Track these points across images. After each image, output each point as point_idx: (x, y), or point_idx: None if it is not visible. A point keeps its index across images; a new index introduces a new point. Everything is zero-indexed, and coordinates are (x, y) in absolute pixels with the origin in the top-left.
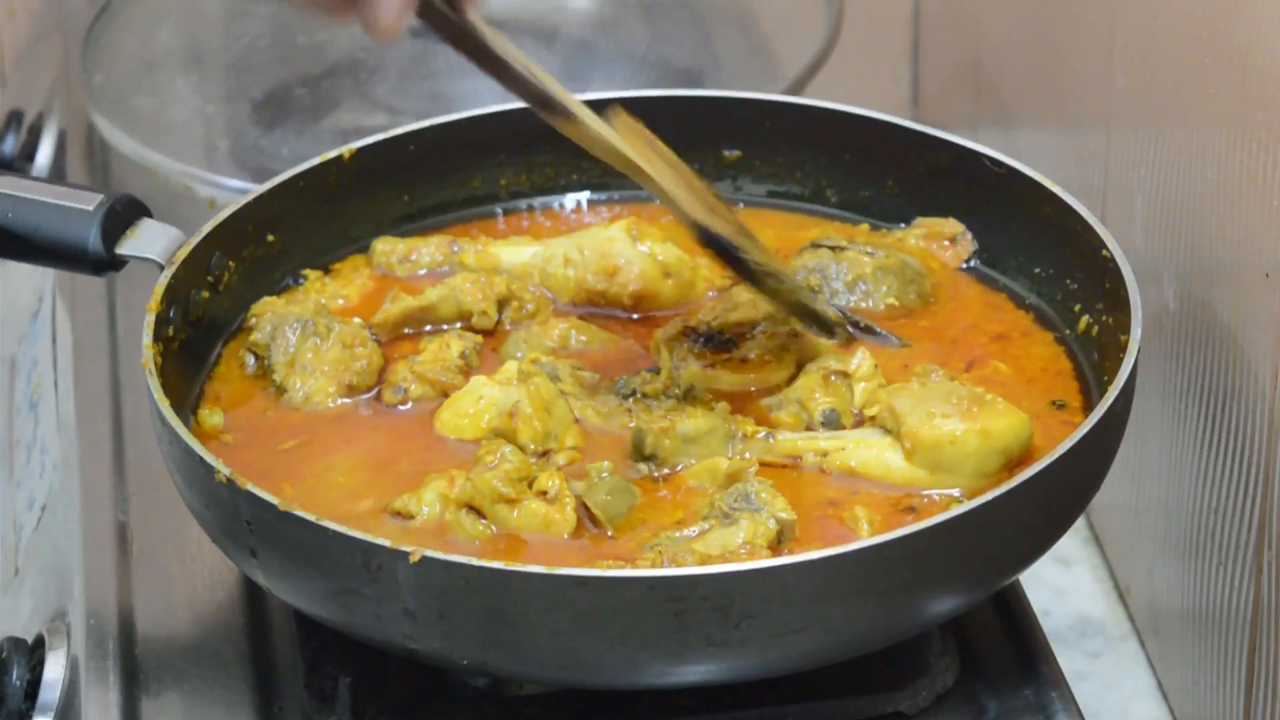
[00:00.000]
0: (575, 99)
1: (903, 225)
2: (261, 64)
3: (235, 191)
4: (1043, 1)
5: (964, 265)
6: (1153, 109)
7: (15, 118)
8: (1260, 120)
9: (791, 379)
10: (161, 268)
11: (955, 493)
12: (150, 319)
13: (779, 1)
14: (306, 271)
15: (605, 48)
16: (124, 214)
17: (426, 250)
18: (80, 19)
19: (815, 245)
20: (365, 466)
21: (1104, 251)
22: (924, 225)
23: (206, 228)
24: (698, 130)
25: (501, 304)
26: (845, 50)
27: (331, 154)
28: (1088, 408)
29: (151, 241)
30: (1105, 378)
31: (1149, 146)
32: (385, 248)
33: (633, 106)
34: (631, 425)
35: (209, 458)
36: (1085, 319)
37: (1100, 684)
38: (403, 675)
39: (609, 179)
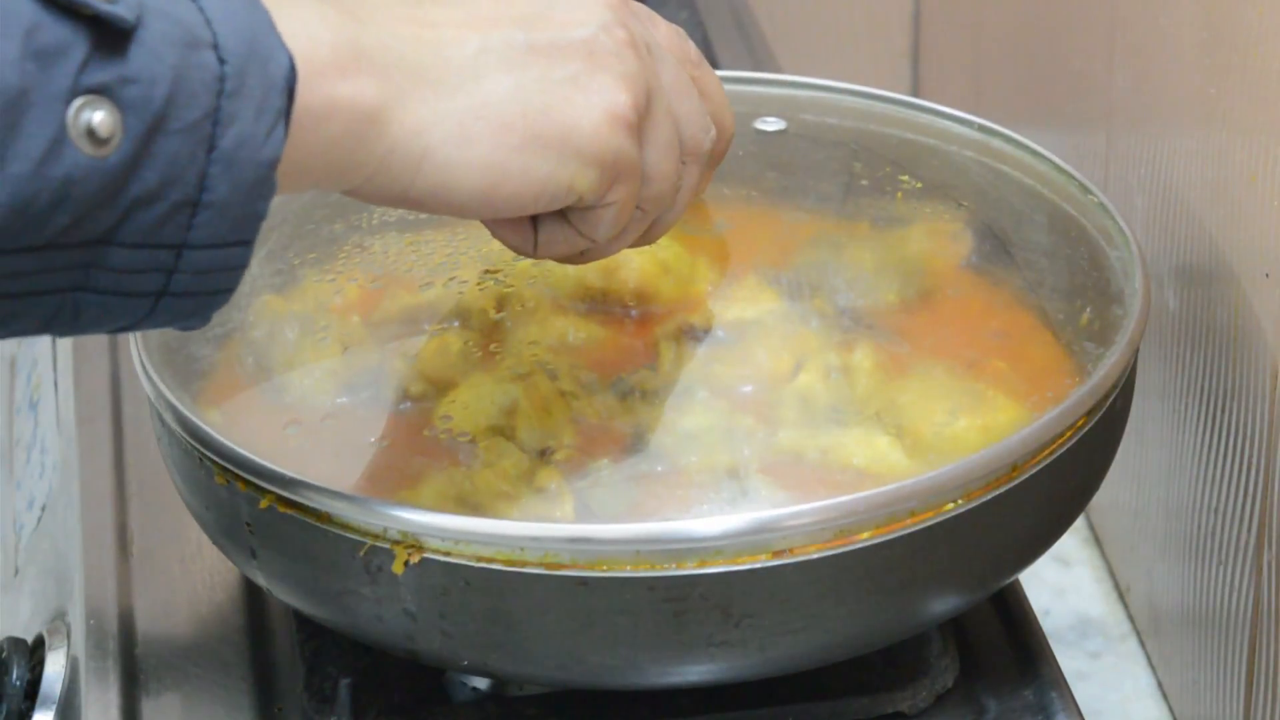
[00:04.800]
0: None
1: (903, 224)
2: None
3: None
4: (1043, 1)
5: (964, 263)
6: (1153, 109)
7: None
8: (1260, 120)
9: (792, 375)
10: None
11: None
12: None
13: (779, 2)
14: (306, 270)
15: None
16: None
17: (426, 248)
18: None
19: (815, 243)
20: (364, 466)
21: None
22: (924, 223)
23: None
24: None
25: (501, 302)
26: (845, 50)
27: None
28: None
29: None
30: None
31: (1149, 146)
32: (384, 246)
33: None
34: (631, 423)
35: (208, 458)
36: (1085, 317)
37: (1100, 684)
38: (403, 676)
39: None
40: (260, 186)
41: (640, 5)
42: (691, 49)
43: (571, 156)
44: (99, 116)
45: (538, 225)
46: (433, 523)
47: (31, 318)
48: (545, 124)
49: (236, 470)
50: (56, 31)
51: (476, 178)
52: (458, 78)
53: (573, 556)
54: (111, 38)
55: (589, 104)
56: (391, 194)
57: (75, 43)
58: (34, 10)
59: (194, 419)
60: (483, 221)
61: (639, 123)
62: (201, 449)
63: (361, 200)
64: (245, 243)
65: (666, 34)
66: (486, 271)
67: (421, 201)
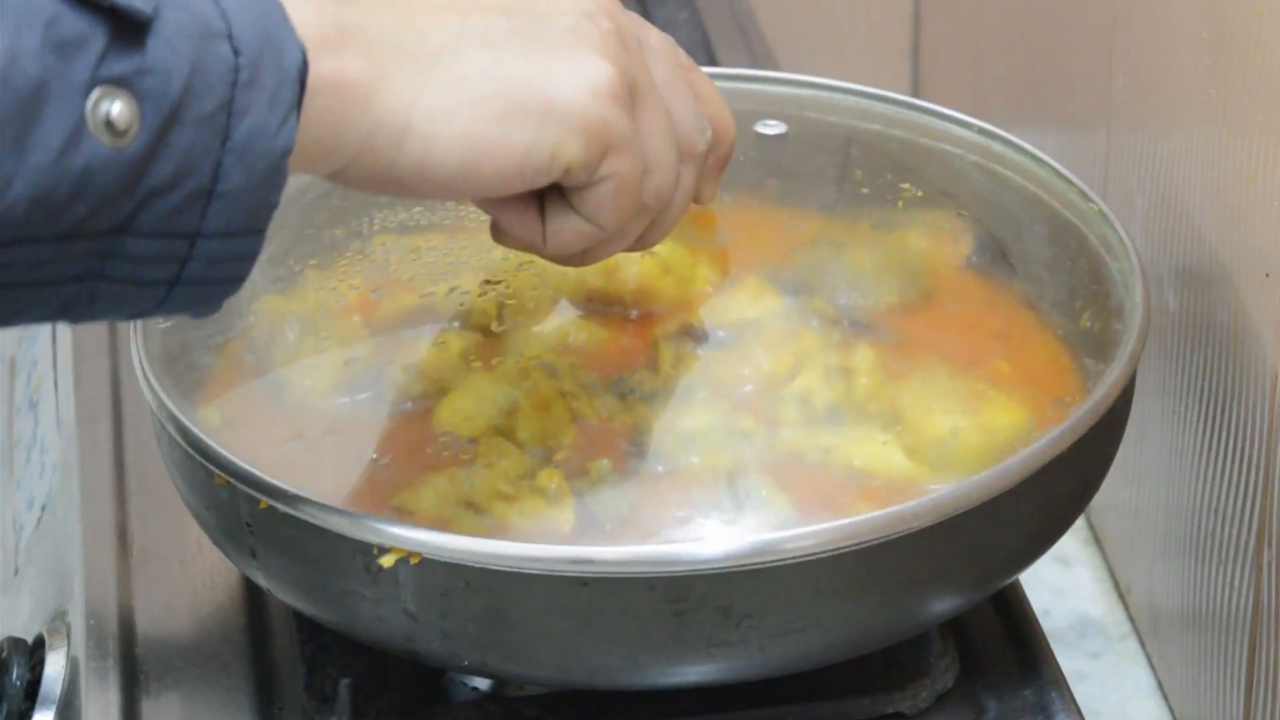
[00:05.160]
0: None
1: (903, 226)
2: None
3: None
4: (1043, 1)
5: (964, 263)
6: (1153, 109)
7: None
8: (1260, 120)
9: (792, 376)
10: None
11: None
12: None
13: (779, 2)
14: (306, 270)
15: None
16: None
17: (426, 248)
18: None
19: (815, 244)
20: (364, 465)
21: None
22: (924, 223)
23: None
24: None
25: (501, 302)
26: (845, 50)
27: None
28: None
29: None
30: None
31: (1149, 146)
32: (385, 246)
33: None
34: (631, 423)
35: (209, 458)
36: (1086, 317)
37: (1100, 684)
38: (403, 676)
39: None
40: (273, 175)
41: (631, 13)
42: (682, 55)
43: (554, 125)
44: (117, 108)
45: (545, 217)
46: (430, 540)
47: (47, 305)
48: (525, 94)
49: (236, 482)
50: (76, 23)
51: (457, 151)
52: (438, 53)
53: None
54: (129, 29)
55: (571, 73)
56: (376, 174)
57: (94, 34)
58: (53, 2)
59: (194, 430)
60: (491, 222)
61: (627, 97)
62: (203, 460)
63: (347, 185)
64: (258, 231)
65: (658, 38)
66: (487, 282)
67: (404, 180)
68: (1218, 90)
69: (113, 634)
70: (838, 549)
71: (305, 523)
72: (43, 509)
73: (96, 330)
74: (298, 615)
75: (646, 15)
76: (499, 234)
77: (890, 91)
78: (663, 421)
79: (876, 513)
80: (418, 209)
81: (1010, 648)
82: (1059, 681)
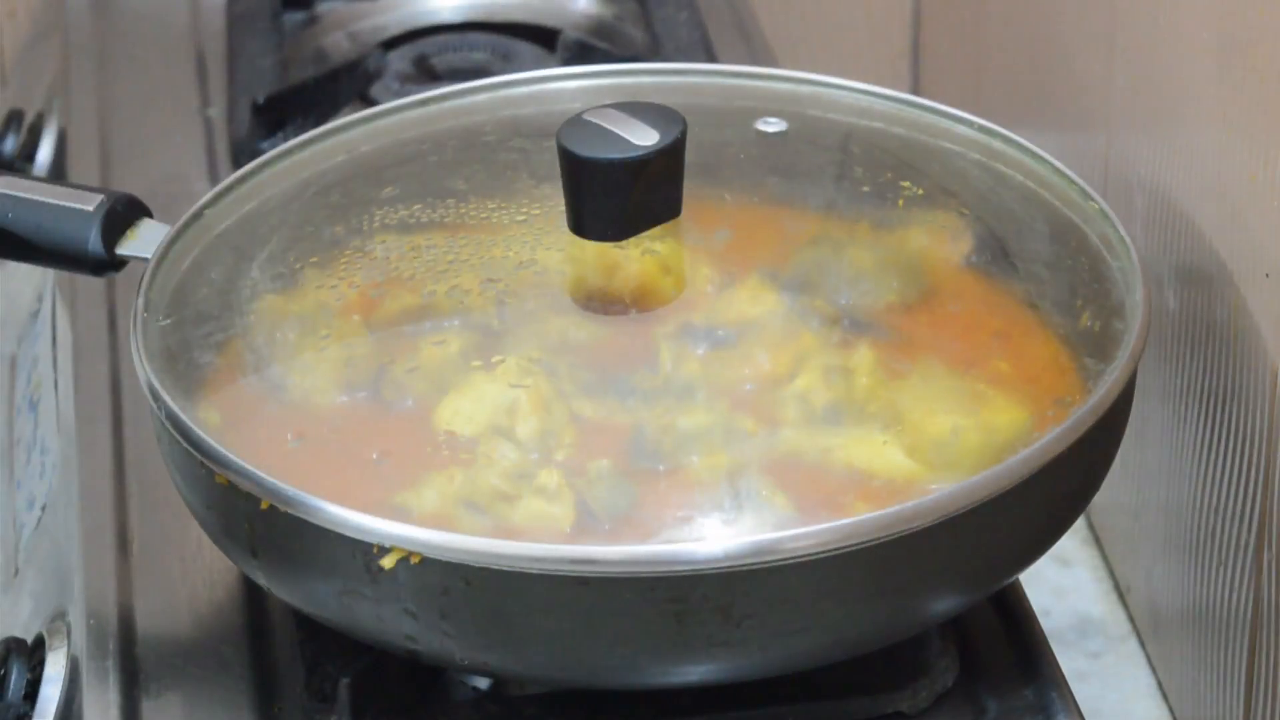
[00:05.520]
0: None
1: (903, 225)
2: (263, 67)
3: None
4: (1043, 1)
5: (965, 262)
6: (1153, 109)
7: (15, 118)
8: (1260, 120)
9: (792, 375)
10: None
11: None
12: (147, 317)
13: (779, 2)
14: (306, 268)
15: (605, 50)
16: (124, 214)
17: (426, 246)
18: (81, 19)
19: (815, 243)
20: (364, 464)
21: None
22: (925, 222)
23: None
24: None
25: (501, 301)
26: (845, 50)
27: None
28: None
29: (152, 242)
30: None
31: (1149, 146)
32: (385, 244)
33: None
34: (631, 423)
35: (209, 458)
36: (1086, 316)
37: (1100, 684)
38: (403, 675)
39: None
40: None
41: None
42: None
43: None
44: None
45: None
46: (430, 540)
47: None
48: None
49: (236, 482)
50: None
51: None
52: None
53: None
54: None
55: None
56: None
57: None
58: None
59: (195, 429)
60: None
61: None
62: (203, 460)
63: None
64: None
65: None
66: (489, 280)
67: None
68: (1218, 90)
69: (113, 634)
70: (838, 549)
71: (305, 522)
72: (43, 509)
73: (96, 330)
74: (298, 615)
75: (646, 15)
76: None
77: (890, 89)
78: (663, 421)
79: (876, 513)
80: (418, 206)
81: (1010, 648)
82: (1059, 681)
